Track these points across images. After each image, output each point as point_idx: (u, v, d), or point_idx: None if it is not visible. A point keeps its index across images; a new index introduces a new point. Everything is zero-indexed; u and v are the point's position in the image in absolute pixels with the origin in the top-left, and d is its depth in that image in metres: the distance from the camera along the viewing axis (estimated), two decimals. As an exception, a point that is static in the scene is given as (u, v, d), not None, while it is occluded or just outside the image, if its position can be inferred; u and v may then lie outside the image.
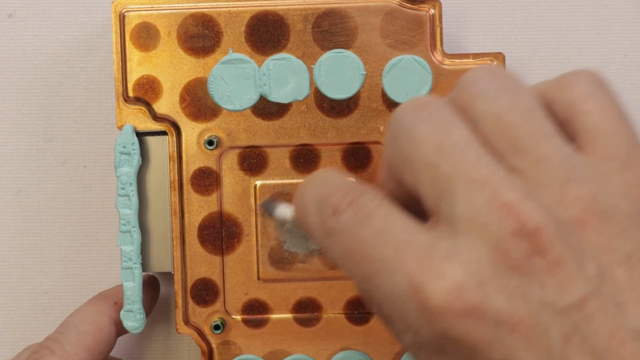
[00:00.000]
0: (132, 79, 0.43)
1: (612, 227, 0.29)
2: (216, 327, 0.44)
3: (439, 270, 0.29)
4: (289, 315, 0.44)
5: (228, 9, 0.43)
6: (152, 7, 0.43)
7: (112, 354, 0.47)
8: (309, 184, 0.33)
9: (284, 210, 0.38)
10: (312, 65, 0.43)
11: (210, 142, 0.43)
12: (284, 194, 0.44)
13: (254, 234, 0.44)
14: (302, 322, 0.44)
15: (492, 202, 0.29)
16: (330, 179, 0.33)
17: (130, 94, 0.43)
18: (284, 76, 0.43)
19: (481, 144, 0.30)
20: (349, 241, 0.31)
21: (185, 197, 0.43)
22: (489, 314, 0.28)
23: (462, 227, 0.29)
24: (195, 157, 0.43)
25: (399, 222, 0.30)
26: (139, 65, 0.43)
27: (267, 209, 0.40)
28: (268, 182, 0.44)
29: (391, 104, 0.43)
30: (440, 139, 0.30)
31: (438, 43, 0.43)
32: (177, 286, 0.43)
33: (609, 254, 0.29)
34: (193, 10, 0.43)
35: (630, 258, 0.29)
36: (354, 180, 0.33)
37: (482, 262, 0.29)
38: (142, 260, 0.43)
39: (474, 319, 0.29)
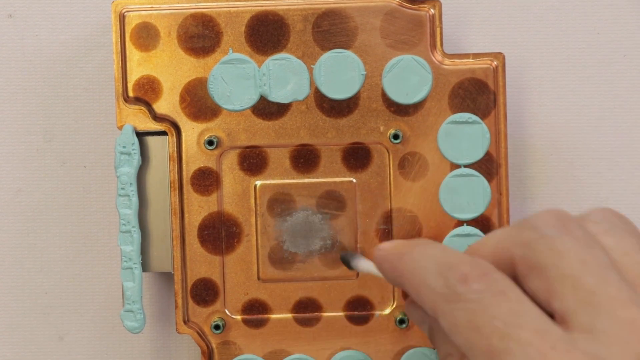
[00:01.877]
0: (132, 79, 0.43)
1: None
2: (216, 327, 0.44)
3: None
4: (289, 315, 0.44)
5: (228, 9, 0.43)
6: (152, 7, 0.43)
7: (112, 355, 0.47)
8: (426, 246, 0.35)
9: (365, 264, 0.39)
10: (312, 65, 0.43)
11: (210, 142, 0.43)
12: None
13: (254, 234, 0.44)
14: (302, 322, 0.44)
15: (636, 322, 0.31)
16: (448, 249, 0.35)
17: (131, 94, 0.43)
18: (284, 76, 0.43)
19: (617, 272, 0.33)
20: (480, 313, 0.32)
21: (185, 197, 0.43)
22: None
23: (603, 338, 0.31)
24: (195, 157, 0.43)
25: (533, 309, 0.32)
26: (139, 65, 0.43)
27: (345, 260, 0.41)
28: (268, 182, 0.44)
29: (391, 104, 0.43)
30: (585, 256, 0.32)
31: (438, 43, 0.43)
32: (177, 286, 0.44)
33: None
34: (193, 10, 0.43)
35: None
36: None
37: None
38: (142, 260, 0.43)
39: None
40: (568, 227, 0.33)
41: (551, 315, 0.32)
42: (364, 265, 0.40)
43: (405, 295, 0.43)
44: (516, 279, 0.34)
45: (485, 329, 0.32)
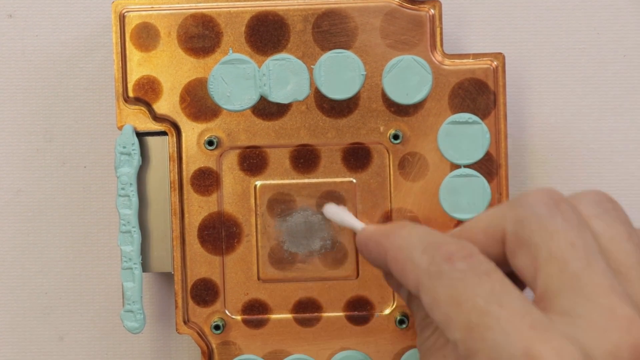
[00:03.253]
0: (132, 79, 0.43)
1: None
2: (216, 327, 0.44)
3: (558, 347, 0.31)
4: (289, 316, 0.44)
5: (228, 9, 0.43)
6: (152, 8, 0.43)
7: (112, 355, 0.47)
8: (413, 227, 0.36)
9: (338, 213, 0.40)
10: (312, 66, 0.43)
11: (210, 143, 0.43)
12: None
13: (254, 234, 0.44)
14: (302, 322, 0.44)
15: (616, 311, 0.31)
16: (436, 231, 0.35)
17: (131, 94, 0.43)
18: (284, 76, 0.43)
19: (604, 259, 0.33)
20: (462, 288, 0.33)
21: (185, 197, 0.43)
22: None
23: (582, 323, 0.32)
24: (196, 158, 0.43)
25: (515, 291, 0.32)
26: (139, 66, 0.43)
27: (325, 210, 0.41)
28: (268, 182, 0.44)
29: (391, 104, 0.43)
30: (574, 238, 0.33)
31: (438, 43, 0.43)
32: (177, 286, 0.44)
33: None
34: (193, 11, 0.43)
35: None
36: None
37: (596, 358, 0.31)
38: (142, 260, 0.43)
39: None
40: (560, 207, 0.34)
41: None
42: (338, 214, 0.41)
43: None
44: (505, 256, 0.35)
45: (466, 305, 0.32)
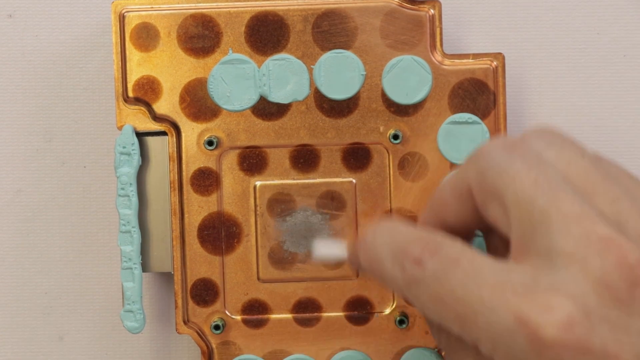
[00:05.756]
0: (132, 79, 0.43)
1: None
2: (216, 327, 0.44)
3: (545, 303, 0.30)
4: (289, 316, 0.44)
5: (228, 9, 0.43)
6: (152, 8, 0.43)
7: (112, 355, 0.47)
8: (375, 234, 0.35)
9: (333, 250, 0.39)
10: (312, 66, 0.43)
11: (210, 143, 0.43)
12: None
13: (254, 234, 0.44)
14: (302, 322, 0.44)
15: (591, 236, 0.31)
16: (399, 228, 0.35)
17: (130, 94, 0.43)
18: (284, 76, 0.43)
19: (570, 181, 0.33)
20: (439, 288, 0.33)
21: (185, 197, 0.43)
22: (597, 349, 0.30)
23: (561, 261, 0.31)
24: (195, 158, 0.43)
25: (488, 264, 0.32)
26: (139, 66, 0.43)
27: (315, 248, 0.41)
28: (268, 182, 0.44)
29: (391, 104, 0.43)
30: (536, 175, 0.32)
31: (438, 43, 0.43)
32: (177, 286, 0.44)
33: None
34: (193, 11, 0.43)
35: None
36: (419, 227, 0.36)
37: (587, 295, 0.30)
38: (142, 260, 0.43)
39: (582, 353, 0.30)
40: (516, 149, 0.34)
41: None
42: (331, 250, 0.41)
43: None
44: (477, 210, 0.35)
45: (448, 300, 0.32)
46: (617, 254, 0.30)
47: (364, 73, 0.43)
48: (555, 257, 0.31)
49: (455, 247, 0.33)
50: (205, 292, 0.44)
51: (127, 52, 0.43)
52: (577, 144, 0.34)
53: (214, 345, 0.44)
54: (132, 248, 0.43)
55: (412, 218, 0.43)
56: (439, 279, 0.33)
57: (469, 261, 0.32)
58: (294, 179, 0.44)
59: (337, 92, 0.43)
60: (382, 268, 0.35)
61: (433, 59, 0.43)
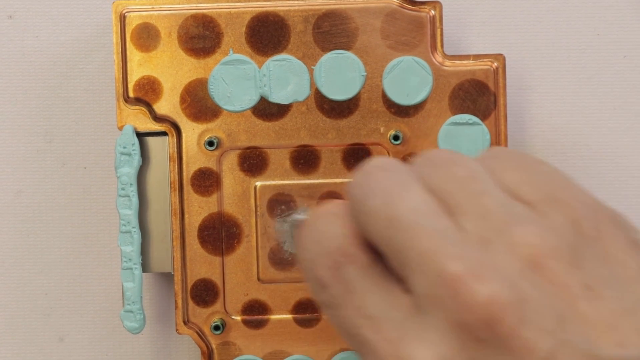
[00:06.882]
0: (132, 79, 0.43)
1: (562, 262, 0.29)
2: (216, 328, 0.44)
3: (408, 356, 0.29)
4: (289, 316, 0.44)
5: (229, 9, 0.43)
6: (153, 8, 0.43)
7: (112, 355, 0.47)
8: (306, 237, 0.33)
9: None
10: (312, 66, 0.43)
11: (210, 143, 0.43)
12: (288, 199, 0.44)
13: (254, 234, 0.44)
14: (302, 323, 0.44)
15: (442, 276, 0.29)
16: (330, 228, 0.32)
17: (131, 94, 0.43)
18: (285, 77, 0.43)
19: (432, 206, 0.30)
20: (338, 318, 0.31)
21: (185, 197, 0.43)
22: None
23: (423, 303, 0.29)
24: (196, 158, 0.43)
25: (377, 297, 0.31)
26: (140, 66, 0.43)
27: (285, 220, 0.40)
28: (268, 183, 0.44)
29: (391, 105, 0.43)
30: (390, 213, 0.30)
31: (438, 44, 0.43)
32: (177, 287, 0.44)
33: (567, 290, 0.29)
34: (194, 11, 0.43)
35: (589, 288, 0.29)
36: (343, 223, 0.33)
37: (450, 341, 0.29)
38: (142, 260, 0.43)
39: None
40: (372, 179, 0.31)
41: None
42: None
43: None
44: None
45: (345, 335, 0.31)
46: (466, 294, 0.28)
47: (365, 74, 0.43)
48: (418, 298, 0.30)
49: (354, 271, 0.31)
50: (205, 293, 0.44)
51: (128, 53, 0.43)
52: (461, 160, 0.32)
53: (214, 346, 0.44)
54: (132, 248, 0.43)
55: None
56: (339, 307, 0.31)
57: (361, 292, 0.31)
58: (294, 180, 0.44)
59: (338, 92, 0.43)
60: (303, 265, 0.33)
61: (434, 60, 0.43)
